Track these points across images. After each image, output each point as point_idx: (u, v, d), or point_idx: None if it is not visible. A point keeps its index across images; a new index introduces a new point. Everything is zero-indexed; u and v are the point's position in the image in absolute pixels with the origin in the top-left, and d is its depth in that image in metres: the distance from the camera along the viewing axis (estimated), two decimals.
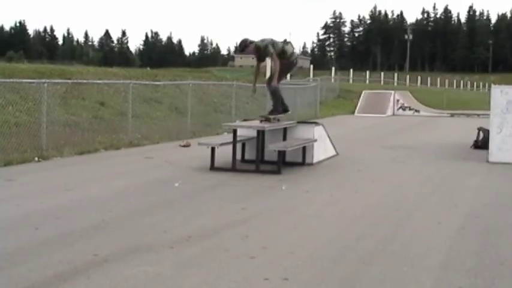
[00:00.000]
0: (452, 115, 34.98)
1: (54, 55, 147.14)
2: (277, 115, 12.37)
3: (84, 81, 19.28)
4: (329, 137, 13.92)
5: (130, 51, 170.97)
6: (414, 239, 6.88)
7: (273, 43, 12.05)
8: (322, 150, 13.28)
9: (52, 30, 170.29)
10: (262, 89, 27.68)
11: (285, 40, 12.48)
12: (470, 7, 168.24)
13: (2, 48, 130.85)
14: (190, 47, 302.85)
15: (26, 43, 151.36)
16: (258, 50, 12.12)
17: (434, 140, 19.19)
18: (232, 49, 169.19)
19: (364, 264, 5.85)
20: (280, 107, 12.42)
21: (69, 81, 17.80)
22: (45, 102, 13.31)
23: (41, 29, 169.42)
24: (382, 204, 8.95)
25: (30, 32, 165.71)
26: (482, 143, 15.61)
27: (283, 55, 12.12)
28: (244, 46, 12.33)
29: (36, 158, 12.19)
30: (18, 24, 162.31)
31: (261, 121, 12.33)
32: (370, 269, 5.72)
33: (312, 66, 59.75)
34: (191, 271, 5.51)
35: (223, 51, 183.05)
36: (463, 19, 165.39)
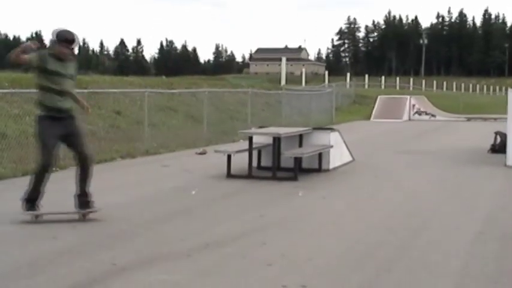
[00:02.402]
0: (468, 119, 34.82)
1: None
2: None
3: (101, 90, 19.35)
4: (345, 143, 13.90)
5: (146, 60, 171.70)
6: (432, 245, 6.84)
7: None
8: (338, 156, 13.25)
9: None
10: (277, 95, 27.75)
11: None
12: (486, 10, 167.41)
13: None
14: (205, 55, 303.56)
15: None
16: None
17: (451, 145, 19.10)
18: (247, 56, 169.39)
19: (383, 271, 5.83)
20: None
21: (85, 90, 17.83)
22: None
23: None
24: (400, 210, 8.92)
25: (46, 42, 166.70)
26: (499, 147, 15.52)
27: None
28: None
29: (54, 168, 12.22)
30: (34, 35, 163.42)
31: None
32: (389, 275, 5.70)
33: (327, 72, 59.67)
34: (209, 279, 5.52)
35: (238, 59, 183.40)
36: (478, 23, 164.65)
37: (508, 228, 7.76)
